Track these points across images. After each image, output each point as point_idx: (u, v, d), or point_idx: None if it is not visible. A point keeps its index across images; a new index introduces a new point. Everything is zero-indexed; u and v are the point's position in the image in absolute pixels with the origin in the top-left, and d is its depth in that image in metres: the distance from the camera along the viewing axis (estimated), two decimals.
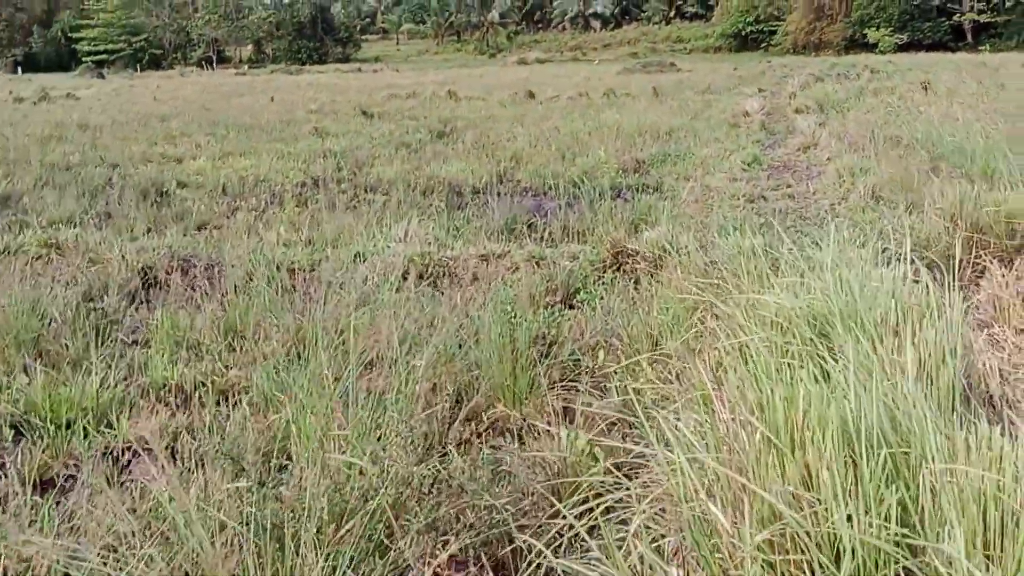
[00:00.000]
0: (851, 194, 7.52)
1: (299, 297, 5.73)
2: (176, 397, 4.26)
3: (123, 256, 6.48)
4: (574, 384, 4.21)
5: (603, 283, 5.85)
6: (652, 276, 5.58)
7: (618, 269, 5.99)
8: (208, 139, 15.11)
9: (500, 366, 4.13)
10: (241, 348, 4.80)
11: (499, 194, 10.61)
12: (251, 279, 5.87)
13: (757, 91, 23.95)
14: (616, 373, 3.96)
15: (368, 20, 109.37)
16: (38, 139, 15.07)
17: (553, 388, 4.19)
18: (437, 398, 4.04)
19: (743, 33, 73.19)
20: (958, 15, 61.35)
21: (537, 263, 6.26)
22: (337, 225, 8.12)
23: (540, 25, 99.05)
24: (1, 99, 26.23)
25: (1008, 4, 60.07)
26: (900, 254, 5.27)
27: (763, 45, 70.57)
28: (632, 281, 5.67)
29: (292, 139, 15.15)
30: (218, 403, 4.19)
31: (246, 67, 71.82)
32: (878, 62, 36.44)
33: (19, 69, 66.72)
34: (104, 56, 74.14)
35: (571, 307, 5.71)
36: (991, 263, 5.14)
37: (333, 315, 5.21)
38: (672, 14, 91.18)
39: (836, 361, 2.94)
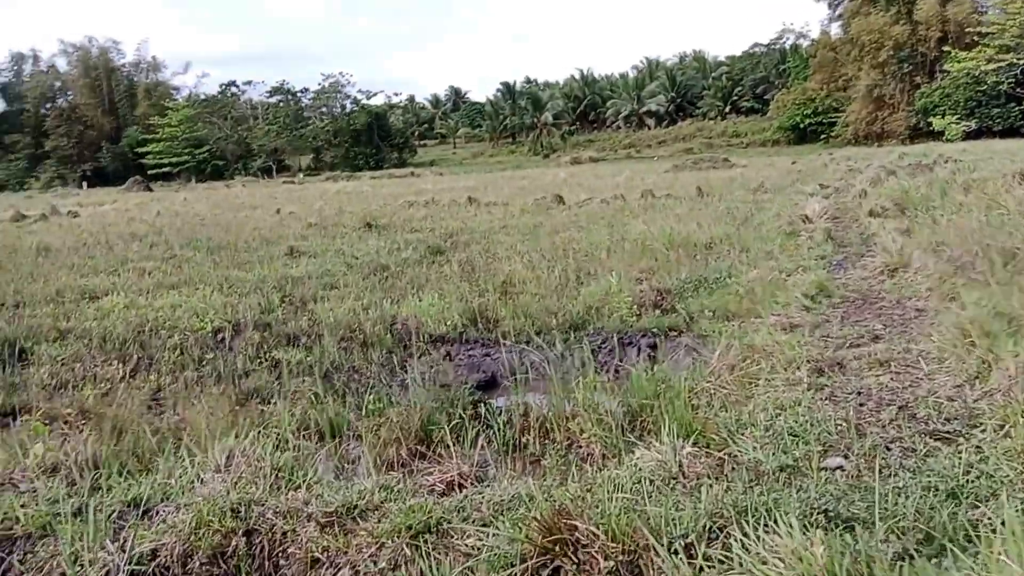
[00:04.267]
0: (990, 371, 4.42)
1: None
2: None
3: None
4: None
5: None
6: None
7: (557, 570, 3.01)
8: (160, 265, 12.82)
9: None
10: None
11: (464, 345, 7.85)
12: None
13: (819, 188, 20.88)
14: None
15: (426, 126, 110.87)
16: None
17: None
18: None
19: (801, 126, 70.48)
20: None
21: (415, 540, 3.33)
22: (177, 420, 5.38)
23: (595, 125, 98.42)
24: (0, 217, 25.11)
25: None
26: None
27: (822, 137, 67.65)
28: None
29: (257, 262, 12.73)
30: None
31: (301, 175, 71.92)
32: (952, 151, 32.96)
33: (84, 184, 67.99)
34: (169, 168, 75.39)
35: None
36: None
37: None
38: (727, 109, 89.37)
39: None
